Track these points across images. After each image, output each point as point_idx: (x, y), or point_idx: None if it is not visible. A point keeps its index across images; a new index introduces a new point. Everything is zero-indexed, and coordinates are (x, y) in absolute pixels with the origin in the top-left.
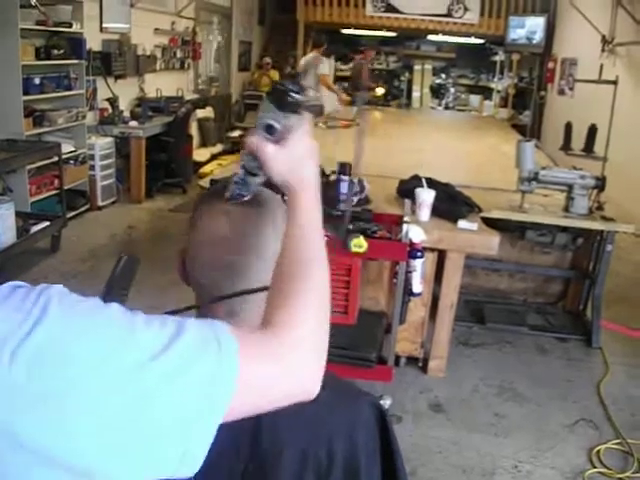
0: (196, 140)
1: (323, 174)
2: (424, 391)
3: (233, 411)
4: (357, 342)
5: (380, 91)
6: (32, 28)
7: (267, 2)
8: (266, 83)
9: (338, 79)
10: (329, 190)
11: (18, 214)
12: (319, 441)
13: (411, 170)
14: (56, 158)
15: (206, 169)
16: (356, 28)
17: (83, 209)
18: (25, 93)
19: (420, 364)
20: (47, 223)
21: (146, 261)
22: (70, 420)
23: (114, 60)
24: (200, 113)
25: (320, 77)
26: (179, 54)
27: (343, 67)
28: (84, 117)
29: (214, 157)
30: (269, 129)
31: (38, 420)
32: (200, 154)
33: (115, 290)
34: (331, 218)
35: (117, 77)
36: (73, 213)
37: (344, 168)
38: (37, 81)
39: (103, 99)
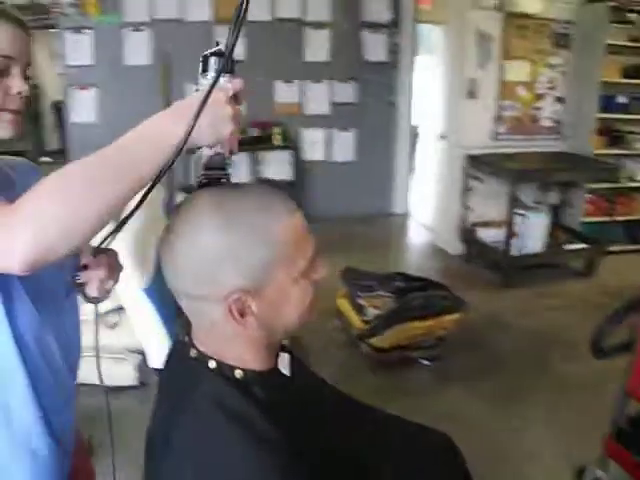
0: None
1: None
2: None
3: None
4: None
5: None
6: (619, 44)
7: None
8: None
9: None
10: None
11: (559, 228)
12: None
13: None
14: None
15: None
16: None
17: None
18: (603, 110)
19: None
20: (583, 245)
21: None
22: None
23: None
24: None
25: None
26: None
27: None
28: None
29: None
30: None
31: None
32: None
33: None
34: None
35: None
36: (617, 248)
37: None
38: (620, 100)
39: None
